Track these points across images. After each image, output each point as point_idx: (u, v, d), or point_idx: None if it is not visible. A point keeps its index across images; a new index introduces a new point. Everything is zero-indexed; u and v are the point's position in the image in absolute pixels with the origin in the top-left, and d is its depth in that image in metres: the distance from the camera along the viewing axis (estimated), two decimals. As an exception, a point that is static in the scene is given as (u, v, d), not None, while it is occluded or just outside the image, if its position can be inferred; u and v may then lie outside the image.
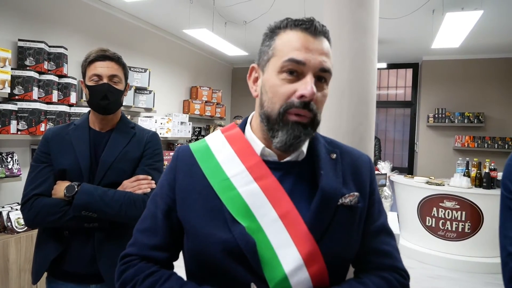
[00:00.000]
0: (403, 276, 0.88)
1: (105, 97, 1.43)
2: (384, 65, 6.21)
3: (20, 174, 3.08)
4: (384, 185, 1.77)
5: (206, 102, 6.08)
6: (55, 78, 3.39)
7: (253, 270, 0.77)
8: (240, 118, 5.66)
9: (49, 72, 3.37)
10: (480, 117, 5.93)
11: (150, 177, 1.48)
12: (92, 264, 1.40)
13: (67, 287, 1.44)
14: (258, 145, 0.86)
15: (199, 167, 0.87)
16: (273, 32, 0.85)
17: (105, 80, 1.43)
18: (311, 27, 0.81)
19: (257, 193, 0.81)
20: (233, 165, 0.85)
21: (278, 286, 0.76)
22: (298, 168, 0.85)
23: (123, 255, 0.90)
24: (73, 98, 3.60)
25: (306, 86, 0.77)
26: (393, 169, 6.14)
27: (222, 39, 4.79)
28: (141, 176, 1.47)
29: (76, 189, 1.35)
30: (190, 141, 5.79)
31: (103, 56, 1.43)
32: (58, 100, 3.47)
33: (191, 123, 5.53)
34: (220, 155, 0.87)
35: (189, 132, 5.49)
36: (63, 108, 3.43)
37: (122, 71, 1.49)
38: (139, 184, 1.44)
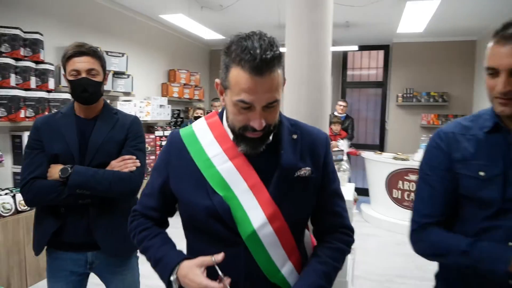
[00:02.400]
0: (349, 234, 1.14)
1: (85, 90, 1.59)
2: (355, 47, 6.43)
3: (2, 160, 3.18)
4: (342, 160, 2.02)
5: (184, 85, 6.20)
6: (32, 65, 3.45)
7: (230, 227, 1.03)
8: (218, 100, 5.81)
9: (25, 58, 3.42)
10: (444, 96, 6.28)
11: (134, 157, 1.67)
12: (87, 235, 1.60)
13: (66, 255, 1.65)
14: (231, 133, 1.07)
15: (187, 149, 1.10)
16: (227, 61, 0.98)
17: (83, 75, 1.57)
18: (256, 67, 0.91)
19: (231, 169, 1.05)
20: (212, 148, 1.08)
21: (249, 238, 1.02)
22: (266, 148, 1.06)
23: (132, 209, 1.23)
24: (51, 84, 3.68)
25: (257, 121, 0.96)
26: (361, 146, 6.45)
27: (198, 24, 4.89)
28: (127, 156, 1.66)
29: (70, 171, 1.54)
30: (169, 124, 5.94)
31: (80, 52, 1.57)
32: (36, 86, 3.54)
33: (170, 106, 5.67)
34: (203, 140, 1.10)
35: (168, 115, 5.63)
36: (42, 94, 3.52)
37: (99, 63, 1.63)
38: (125, 164, 1.64)
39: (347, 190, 1.89)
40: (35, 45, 3.49)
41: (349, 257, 2.41)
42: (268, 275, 1.05)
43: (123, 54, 4.57)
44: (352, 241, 1.16)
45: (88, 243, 1.62)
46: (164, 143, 5.38)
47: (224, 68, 0.99)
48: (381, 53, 7.14)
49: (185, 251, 1.14)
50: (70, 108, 1.69)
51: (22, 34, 3.40)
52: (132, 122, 1.74)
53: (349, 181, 2.11)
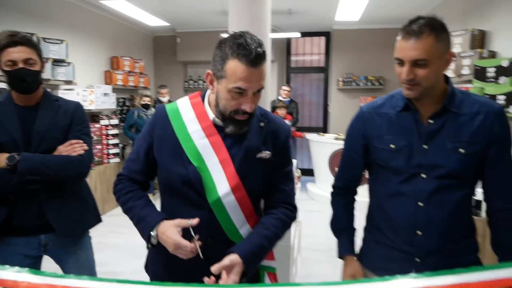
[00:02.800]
0: (292, 210, 1.35)
1: (24, 80, 1.59)
2: (298, 34, 6.66)
3: None
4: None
5: (128, 72, 6.10)
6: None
7: (199, 193, 1.22)
8: (165, 87, 5.80)
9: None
10: (380, 80, 6.72)
11: (81, 141, 1.73)
12: (40, 218, 1.65)
13: (19, 240, 1.68)
14: (210, 114, 1.26)
15: (170, 123, 1.26)
16: (224, 55, 1.14)
17: (20, 65, 1.57)
18: (252, 59, 1.10)
19: (206, 145, 1.23)
20: (193, 124, 1.25)
21: (214, 204, 1.22)
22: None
23: (118, 174, 1.37)
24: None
25: (248, 104, 1.16)
26: (306, 129, 6.74)
27: (141, 10, 4.83)
28: (74, 141, 1.71)
29: (17, 158, 1.56)
30: (114, 112, 5.84)
31: (14, 42, 1.55)
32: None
33: (114, 94, 5.57)
34: (185, 116, 1.26)
35: (113, 103, 5.54)
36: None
37: (35, 52, 1.62)
38: (73, 148, 1.69)
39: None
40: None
41: (295, 229, 2.63)
42: (228, 234, 1.25)
43: (62, 41, 4.42)
44: (294, 216, 1.36)
45: (41, 226, 1.66)
46: (110, 132, 5.32)
47: (220, 61, 1.15)
48: (322, 39, 7.45)
49: None
50: (8, 97, 1.68)
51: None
52: (76, 107, 1.79)
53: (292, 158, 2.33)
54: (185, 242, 1.12)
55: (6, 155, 1.58)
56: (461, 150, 1.24)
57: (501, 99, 2.92)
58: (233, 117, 1.19)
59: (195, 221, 1.16)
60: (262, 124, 1.29)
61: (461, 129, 1.25)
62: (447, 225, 1.27)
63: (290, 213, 1.32)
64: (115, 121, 5.54)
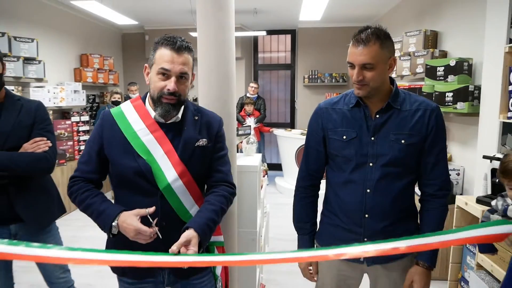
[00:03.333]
0: (231, 187, 1.52)
1: None
2: (264, 32, 6.89)
3: None
4: (250, 134, 2.42)
5: (98, 69, 6.14)
6: None
7: (151, 182, 1.38)
8: (134, 84, 5.88)
9: None
10: (344, 77, 7.07)
11: (45, 138, 1.85)
12: (9, 210, 1.77)
13: None
14: (152, 113, 1.42)
15: (117, 124, 1.41)
16: (155, 47, 1.36)
17: None
18: (175, 46, 1.32)
19: (151, 140, 1.39)
20: (137, 124, 1.41)
21: (165, 189, 1.38)
22: (175, 126, 1.44)
23: (71, 176, 1.44)
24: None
25: (171, 85, 1.33)
26: (274, 124, 6.98)
27: (111, 10, 4.91)
28: (38, 138, 1.83)
29: None
30: (85, 109, 5.88)
31: None
32: None
33: (84, 91, 5.62)
34: (130, 117, 1.42)
35: (83, 100, 5.59)
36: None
37: None
38: (38, 145, 1.81)
39: (255, 159, 2.31)
40: None
41: (261, 218, 2.85)
42: (180, 215, 1.41)
43: (33, 40, 4.46)
44: (234, 192, 1.53)
45: (10, 217, 1.79)
46: (81, 128, 5.39)
47: (153, 52, 1.36)
48: (288, 37, 7.72)
49: None
50: None
51: None
52: (38, 107, 1.89)
53: (257, 152, 2.53)
54: (144, 228, 1.26)
55: None
56: (402, 141, 1.42)
57: (449, 96, 3.19)
58: (161, 99, 1.35)
59: (151, 209, 1.30)
60: (196, 117, 1.47)
61: (402, 123, 1.43)
62: (390, 209, 1.45)
63: (230, 189, 1.50)
64: (85, 118, 5.59)
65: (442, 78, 3.34)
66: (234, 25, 1.84)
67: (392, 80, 1.49)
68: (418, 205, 1.54)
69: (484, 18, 2.72)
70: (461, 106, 3.00)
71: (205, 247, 1.38)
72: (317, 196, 1.67)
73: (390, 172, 1.44)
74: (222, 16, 1.77)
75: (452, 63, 3.18)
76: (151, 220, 1.29)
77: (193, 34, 6.44)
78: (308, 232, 1.65)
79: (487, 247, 1.62)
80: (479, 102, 2.81)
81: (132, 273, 1.44)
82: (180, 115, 1.44)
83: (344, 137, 1.48)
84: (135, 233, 1.27)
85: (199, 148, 1.44)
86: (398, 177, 1.45)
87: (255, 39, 7.78)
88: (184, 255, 1.20)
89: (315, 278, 1.64)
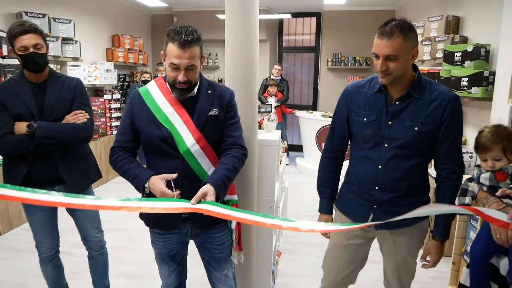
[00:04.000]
0: (242, 149, 1.73)
1: (35, 62, 1.92)
2: (289, 15, 6.99)
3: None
4: (270, 112, 2.62)
5: (129, 49, 6.43)
6: (-14, 32, 3.64)
7: (172, 147, 1.62)
8: (162, 65, 6.13)
9: (-21, 26, 3.60)
10: (367, 60, 7.11)
11: (84, 111, 2.11)
12: (54, 173, 2.05)
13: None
14: (170, 88, 1.63)
15: (144, 100, 1.66)
16: (166, 40, 1.54)
17: (31, 50, 1.89)
18: (181, 42, 1.48)
19: (172, 112, 1.63)
20: (160, 98, 1.65)
21: (185, 153, 1.61)
22: (191, 100, 1.65)
23: (112, 147, 1.69)
24: (4, 50, 3.88)
25: (181, 76, 1.53)
26: (297, 106, 7.12)
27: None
28: (78, 111, 2.09)
29: (35, 126, 1.94)
30: (116, 87, 6.21)
31: (24, 30, 1.87)
32: (-9, 53, 3.74)
33: (116, 70, 5.93)
34: (154, 94, 1.67)
35: (115, 79, 5.90)
36: (-2, 60, 3.74)
37: (41, 37, 1.94)
38: (77, 117, 2.07)
39: (274, 135, 2.52)
40: (-15, 13, 3.64)
41: (279, 189, 3.06)
42: (199, 175, 1.64)
43: (70, 21, 4.76)
44: (245, 154, 1.72)
45: (55, 180, 2.05)
46: (113, 106, 5.71)
47: (165, 44, 1.56)
48: (313, 20, 7.78)
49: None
50: (21, 75, 2.01)
51: (-28, 2, 3.54)
52: (77, 83, 2.15)
53: (276, 129, 2.73)
54: (168, 191, 1.50)
55: (25, 123, 1.93)
56: (416, 128, 1.54)
57: (464, 81, 3.29)
58: (175, 85, 1.57)
59: (174, 175, 1.54)
60: (209, 91, 1.69)
61: (419, 111, 1.54)
62: (397, 184, 1.62)
63: (241, 151, 1.69)
64: (117, 96, 5.91)
65: (459, 63, 3.43)
66: (258, 11, 2.03)
67: (415, 68, 1.60)
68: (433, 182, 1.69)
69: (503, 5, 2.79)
70: (476, 91, 3.11)
71: (221, 201, 1.62)
72: (340, 167, 1.85)
73: (402, 153, 1.59)
74: (248, 2, 1.95)
75: (470, 48, 3.26)
76: (172, 185, 1.54)
77: (220, 16, 6.61)
78: (328, 197, 1.85)
79: None
80: (493, 88, 2.91)
81: (161, 225, 1.70)
82: (195, 90, 1.66)
83: (365, 119, 1.64)
84: (161, 194, 1.51)
85: (212, 117, 1.66)
86: (408, 158, 1.59)
87: (280, 22, 7.87)
88: (204, 202, 1.45)
89: (328, 235, 1.87)
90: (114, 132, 5.83)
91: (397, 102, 1.57)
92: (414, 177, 1.63)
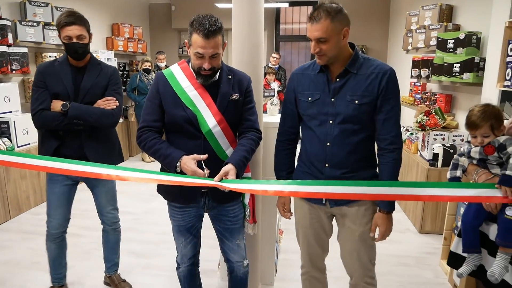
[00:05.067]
0: (258, 132, 1.87)
1: (76, 52, 2.12)
2: (286, 4, 7.07)
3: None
4: (273, 96, 2.77)
5: (128, 38, 6.50)
6: (-8, 21, 3.72)
7: (195, 127, 1.73)
8: (162, 53, 6.22)
9: (-15, 15, 3.68)
10: (363, 49, 7.21)
11: (114, 98, 2.26)
12: (80, 150, 2.20)
13: None
14: (195, 74, 1.76)
15: (169, 83, 1.77)
16: (190, 30, 1.63)
17: (74, 40, 2.08)
18: (205, 33, 1.58)
19: (196, 95, 1.75)
20: (185, 82, 1.76)
21: (207, 133, 1.74)
22: (214, 84, 1.78)
23: (139, 127, 1.79)
24: (10, 39, 3.96)
25: (206, 64, 1.65)
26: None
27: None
28: (109, 98, 2.24)
29: (69, 106, 2.10)
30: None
31: (70, 22, 2.06)
32: (-3, 42, 3.82)
33: (116, 59, 6.00)
34: (178, 77, 1.78)
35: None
36: (3, 48, 3.82)
37: (85, 29, 2.13)
38: (108, 103, 2.22)
39: (277, 118, 2.66)
40: (-10, 2, 3.71)
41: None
42: (218, 154, 1.77)
43: (72, 9, 4.82)
44: (260, 136, 1.88)
45: (80, 157, 2.17)
46: (114, 94, 5.77)
47: (189, 34, 1.65)
48: (310, 9, 7.87)
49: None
50: (65, 58, 2.20)
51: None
52: (113, 71, 2.31)
53: (279, 113, 2.87)
54: (199, 171, 1.63)
55: (61, 102, 2.12)
56: (356, 101, 1.62)
57: (456, 67, 3.43)
58: (200, 72, 1.68)
59: (205, 156, 1.66)
60: (230, 77, 1.80)
61: (358, 85, 1.62)
62: (346, 160, 1.67)
63: (257, 134, 1.85)
64: (117, 85, 5.99)
65: (452, 50, 3.57)
66: (263, 5, 2.16)
67: (353, 46, 1.69)
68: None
69: (493, -6, 2.93)
70: (467, 76, 3.26)
71: (240, 178, 1.75)
72: (294, 149, 1.91)
73: (347, 128, 1.65)
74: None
75: (462, 36, 3.41)
76: (203, 165, 1.67)
77: (219, 5, 6.69)
78: (285, 179, 1.87)
79: None
80: (484, 73, 3.06)
81: (181, 199, 1.83)
82: (217, 75, 1.78)
83: (310, 98, 1.72)
84: (192, 173, 1.64)
85: (232, 101, 1.79)
86: (354, 134, 1.66)
87: (278, 11, 7.95)
88: (226, 181, 1.61)
89: (288, 215, 1.93)
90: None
91: (337, 79, 1.65)
92: (361, 152, 1.70)
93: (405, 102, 5.17)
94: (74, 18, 2.08)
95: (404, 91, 5.68)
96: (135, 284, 2.68)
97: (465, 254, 1.78)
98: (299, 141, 1.89)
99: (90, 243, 3.24)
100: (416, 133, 4.13)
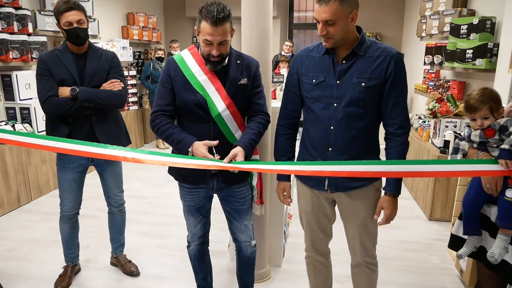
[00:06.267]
0: (265, 116, 1.92)
1: (78, 36, 2.16)
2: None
3: (-2, 95, 3.67)
4: (282, 82, 2.81)
5: (143, 27, 6.58)
6: (13, 10, 3.83)
7: (205, 111, 1.79)
8: (176, 42, 6.29)
9: (6, 4, 3.78)
10: (378, 36, 7.15)
11: (119, 80, 2.34)
12: (90, 134, 2.28)
13: None
14: (204, 60, 1.80)
15: (179, 67, 1.82)
16: (199, 17, 1.66)
17: (75, 25, 2.12)
18: (214, 21, 1.61)
19: (206, 80, 1.80)
20: (195, 67, 1.81)
21: (217, 117, 1.79)
22: (223, 69, 1.82)
23: (152, 112, 1.85)
24: (30, 28, 4.08)
25: (214, 51, 1.69)
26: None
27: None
28: (114, 80, 2.32)
29: (78, 90, 2.19)
30: (132, 64, 6.40)
31: (69, 8, 2.09)
32: (18, 30, 3.94)
33: (131, 47, 6.10)
34: (188, 62, 1.83)
35: (130, 56, 6.09)
36: (24, 37, 3.94)
37: (83, 14, 2.16)
38: (113, 85, 2.31)
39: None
40: (11, -9, 3.82)
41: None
42: (227, 137, 1.82)
43: (88, -1, 4.93)
44: (268, 120, 1.92)
45: (91, 140, 2.23)
46: (129, 82, 5.91)
47: (198, 22, 1.70)
48: (324, -4, 7.79)
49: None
50: (65, 46, 2.25)
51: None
52: (113, 55, 2.39)
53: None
54: (210, 156, 1.68)
55: (68, 88, 2.19)
56: (363, 84, 1.60)
57: (469, 53, 3.39)
58: (208, 58, 1.72)
59: (215, 142, 1.71)
60: (238, 61, 1.83)
61: (364, 68, 1.60)
62: (350, 144, 1.66)
63: (265, 118, 1.89)
64: (133, 73, 6.11)
65: (465, 36, 3.53)
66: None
67: (359, 29, 1.65)
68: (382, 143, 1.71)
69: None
70: (480, 62, 3.23)
71: (248, 160, 1.81)
72: (295, 134, 1.89)
73: (352, 112, 1.63)
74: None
75: (475, 21, 3.36)
76: (214, 151, 1.73)
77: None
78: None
79: None
80: (497, 59, 3.03)
81: (191, 180, 1.91)
82: (226, 60, 1.82)
83: (314, 80, 1.70)
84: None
85: (241, 85, 1.83)
86: (359, 118, 1.64)
87: (291, -2, 7.91)
88: (234, 162, 1.68)
89: (288, 201, 1.92)
90: (132, 108, 6.06)
91: (343, 62, 1.63)
92: (365, 137, 1.69)
93: (418, 89, 5.13)
94: (72, 3, 2.12)
95: (418, 78, 5.63)
96: (148, 262, 2.80)
97: (465, 236, 1.81)
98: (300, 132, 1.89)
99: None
100: (428, 121, 4.11)
